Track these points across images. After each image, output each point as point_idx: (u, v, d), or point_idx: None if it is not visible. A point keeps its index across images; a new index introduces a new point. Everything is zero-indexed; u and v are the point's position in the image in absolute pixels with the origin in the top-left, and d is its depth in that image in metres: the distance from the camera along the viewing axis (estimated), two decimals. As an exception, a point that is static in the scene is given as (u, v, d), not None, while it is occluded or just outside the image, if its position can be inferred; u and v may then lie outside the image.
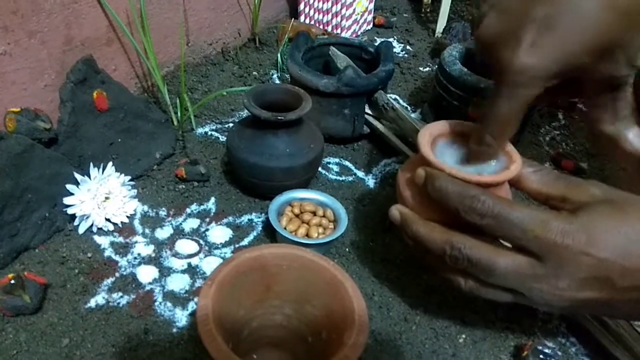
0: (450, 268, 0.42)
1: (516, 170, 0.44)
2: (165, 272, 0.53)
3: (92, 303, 0.50)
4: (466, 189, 0.40)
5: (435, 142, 0.48)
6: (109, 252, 0.55)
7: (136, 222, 0.59)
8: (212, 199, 0.63)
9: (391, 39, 1.04)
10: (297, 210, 0.58)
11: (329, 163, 0.70)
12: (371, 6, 1.06)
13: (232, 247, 0.57)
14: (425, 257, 0.45)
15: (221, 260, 0.55)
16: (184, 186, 0.64)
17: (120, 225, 0.58)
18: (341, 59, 0.74)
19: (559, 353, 0.48)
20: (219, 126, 0.75)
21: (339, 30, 1.01)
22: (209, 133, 0.74)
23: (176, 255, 0.55)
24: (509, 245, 0.41)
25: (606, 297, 0.38)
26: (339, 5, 0.98)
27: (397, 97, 0.85)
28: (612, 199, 0.39)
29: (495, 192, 0.43)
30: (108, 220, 0.57)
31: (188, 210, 0.61)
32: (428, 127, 0.48)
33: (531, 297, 0.40)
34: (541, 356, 0.46)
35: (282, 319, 0.44)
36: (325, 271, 0.42)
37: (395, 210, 0.46)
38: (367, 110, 0.71)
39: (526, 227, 0.38)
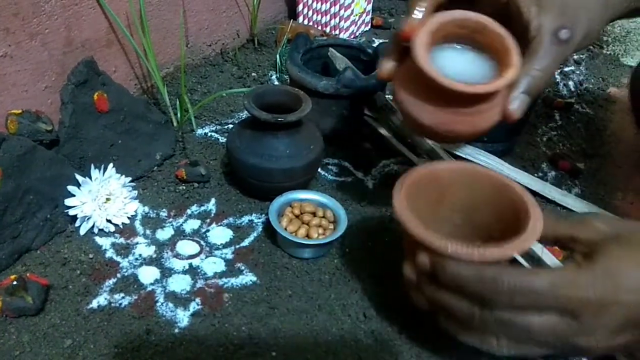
0: (477, 327, 0.40)
1: (513, 75, 0.39)
2: (166, 272, 0.54)
3: (94, 304, 0.50)
4: (482, 272, 0.38)
5: (435, 43, 0.42)
6: (110, 253, 0.55)
7: (137, 223, 0.59)
8: (213, 200, 0.63)
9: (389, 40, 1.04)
10: (297, 211, 0.58)
11: (329, 164, 0.71)
12: (369, 7, 1.07)
13: (232, 247, 0.57)
14: (449, 313, 0.42)
15: (222, 261, 0.55)
16: (184, 187, 0.64)
17: (121, 227, 0.58)
18: (340, 61, 0.75)
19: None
20: (218, 127, 0.76)
21: (337, 32, 1.01)
22: (209, 134, 0.74)
23: (177, 256, 0.56)
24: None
25: (638, 338, 0.39)
26: (337, 7, 0.98)
27: (396, 98, 0.86)
28: (620, 233, 0.40)
29: (491, 108, 0.41)
30: (109, 221, 0.57)
31: (188, 211, 0.61)
32: (429, 24, 0.41)
33: (567, 351, 0.41)
34: None
35: (451, 230, 0.49)
36: (492, 178, 0.47)
37: (423, 257, 0.41)
38: (366, 111, 0.71)
39: (557, 293, 0.37)
